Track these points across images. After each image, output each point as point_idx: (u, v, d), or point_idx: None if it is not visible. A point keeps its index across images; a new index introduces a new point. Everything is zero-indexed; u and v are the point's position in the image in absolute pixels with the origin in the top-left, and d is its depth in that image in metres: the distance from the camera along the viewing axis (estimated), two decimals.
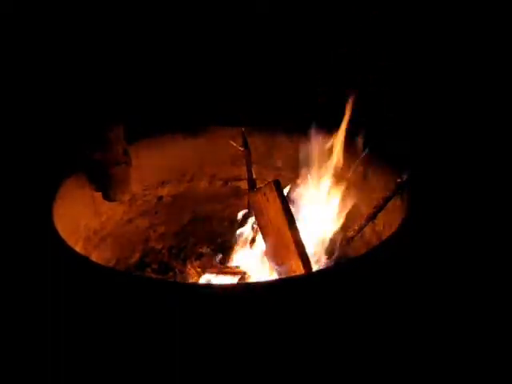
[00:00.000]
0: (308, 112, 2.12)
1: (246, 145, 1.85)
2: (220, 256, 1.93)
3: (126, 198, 1.89)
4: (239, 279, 1.68)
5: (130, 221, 1.97)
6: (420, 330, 1.52)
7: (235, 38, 2.36)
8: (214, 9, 2.34)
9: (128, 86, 2.18)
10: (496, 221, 1.78)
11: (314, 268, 1.60)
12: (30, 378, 1.44)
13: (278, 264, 1.60)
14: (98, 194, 1.78)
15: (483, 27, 2.16)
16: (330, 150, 1.75)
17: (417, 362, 1.47)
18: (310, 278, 1.42)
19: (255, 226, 1.76)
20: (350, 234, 1.69)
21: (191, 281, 1.77)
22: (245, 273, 1.71)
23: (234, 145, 1.87)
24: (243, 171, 1.93)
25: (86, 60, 2.19)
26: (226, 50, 2.37)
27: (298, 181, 1.82)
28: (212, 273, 1.73)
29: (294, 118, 2.05)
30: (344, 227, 1.71)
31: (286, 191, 1.75)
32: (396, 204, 1.63)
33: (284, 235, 1.59)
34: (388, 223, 1.68)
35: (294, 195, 1.78)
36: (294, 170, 2.00)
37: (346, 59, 2.32)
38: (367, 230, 1.75)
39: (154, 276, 1.90)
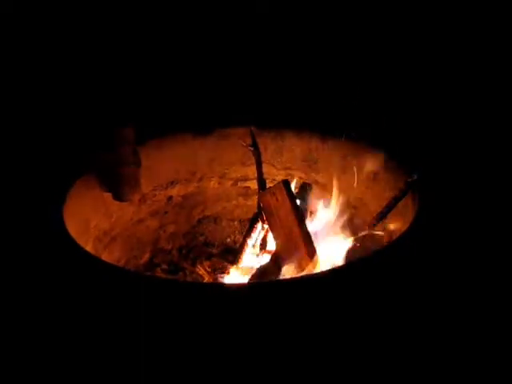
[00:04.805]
0: (317, 111, 2.12)
1: (255, 144, 1.84)
2: (230, 256, 1.93)
3: (136, 198, 1.90)
4: (249, 279, 1.68)
5: (139, 221, 1.97)
6: (430, 329, 1.51)
7: (243, 39, 2.37)
8: (223, 11, 2.35)
9: (137, 88, 2.19)
10: (507, 221, 1.77)
11: (324, 267, 1.60)
12: (41, 374, 1.45)
13: (288, 263, 1.60)
14: (108, 195, 1.78)
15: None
16: None
17: (429, 361, 1.46)
18: (321, 277, 1.41)
19: (265, 225, 1.76)
20: (361, 233, 1.68)
21: (201, 281, 1.77)
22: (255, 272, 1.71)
23: (244, 144, 1.87)
24: (253, 171, 1.92)
25: (95, 61, 2.20)
26: (235, 50, 2.38)
27: (308, 180, 1.82)
28: (222, 273, 1.73)
29: (303, 117, 2.05)
30: (354, 226, 1.70)
31: (295, 191, 1.75)
32: (406, 203, 1.63)
33: (294, 234, 1.59)
34: (398, 223, 1.67)
35: (303, 195, 1.78)
36: (304, 169, 2.00)
37: (350, 59, 2.32)
38: (377, 229, 1.74)
39: (163, 276, 1.90)
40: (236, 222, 2.12)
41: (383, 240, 1.77)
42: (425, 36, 2.25)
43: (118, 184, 1.77)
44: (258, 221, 1.79)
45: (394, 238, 1.54)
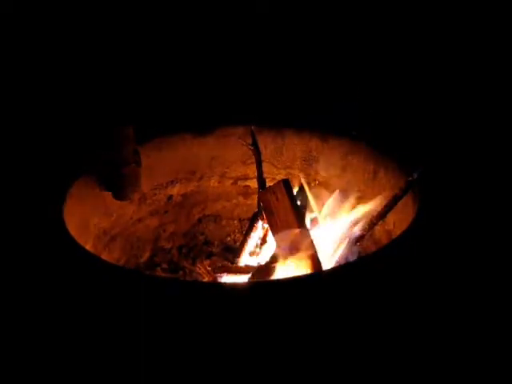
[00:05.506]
0: (318, 109, 2.12)
1: (255, 143, 1.84)
2: (230, 255, 1.93)
3: (136, 197, 1.90)
4: (249, 278, 1.68)
5: (139, 220, 1.97)
6: (431, 328, 1.51)
7: (243, 38, 2.37)
8: (223, 10, 2.35)
9: (137, 87, 2.19)
10: (508, 222, 1.77)
11: (324, 267, 1.60)
12: (41, 374, 1.45)
13: (287, 262, 1.60)
14: (108, 194, 1.78)
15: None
16: None
17: (430, 360, 1.46)
18: (320, 277, 1.41)
19: (265, 224, 1.76)
20: (360, 232, 1.68)
21: (201, 280, 1.77)
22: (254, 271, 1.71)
23: (244, 143, 1.87)
24: (253, 170, 1.93)
25: (95, 61, 2.20)
26: (235, 49, 2.38)
27: (308, 180, 1.82)
28: (222, 272, 1.73)
29: (304, 116, 2.05)
30: (354, 226, 1.70)
31: (295, 190, 1.75)
32: (406, 203, 1.63)
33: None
34: (398, 222, 1.67)
35: (303, 194, 1.78)
36: (304, 168, 2.00)
37: (351, 58, 2.32)
38: (377, 228, 1.74)
39: (164, 275, 1.90)
40: (236, 221, 2.12)
41: (383, 240, 1.77)
42: (424, 35, 2.25)
43: (118, 183, 1.77)
44: (257, 220, 1.79)
45: (394, 237, 1.54)
